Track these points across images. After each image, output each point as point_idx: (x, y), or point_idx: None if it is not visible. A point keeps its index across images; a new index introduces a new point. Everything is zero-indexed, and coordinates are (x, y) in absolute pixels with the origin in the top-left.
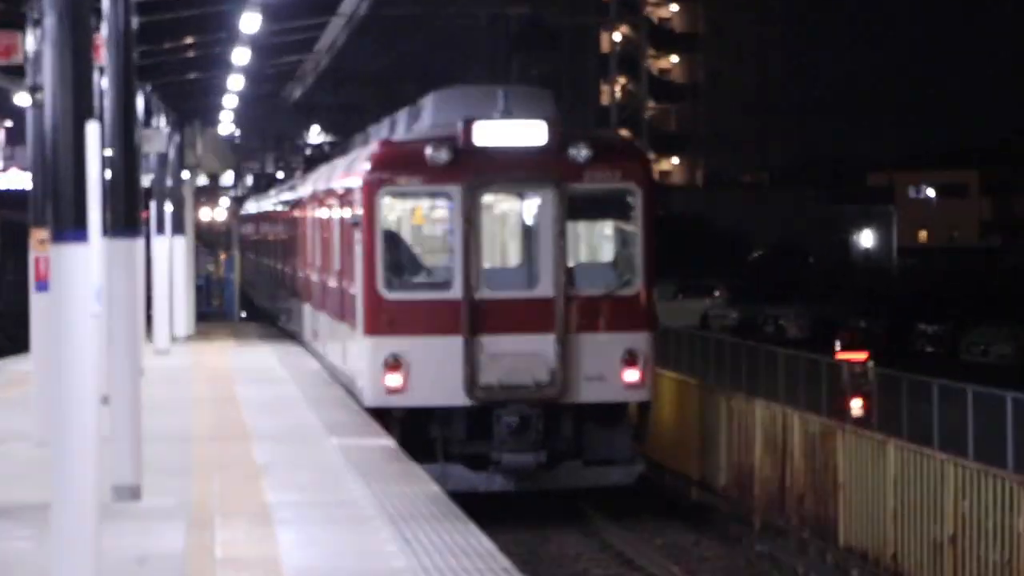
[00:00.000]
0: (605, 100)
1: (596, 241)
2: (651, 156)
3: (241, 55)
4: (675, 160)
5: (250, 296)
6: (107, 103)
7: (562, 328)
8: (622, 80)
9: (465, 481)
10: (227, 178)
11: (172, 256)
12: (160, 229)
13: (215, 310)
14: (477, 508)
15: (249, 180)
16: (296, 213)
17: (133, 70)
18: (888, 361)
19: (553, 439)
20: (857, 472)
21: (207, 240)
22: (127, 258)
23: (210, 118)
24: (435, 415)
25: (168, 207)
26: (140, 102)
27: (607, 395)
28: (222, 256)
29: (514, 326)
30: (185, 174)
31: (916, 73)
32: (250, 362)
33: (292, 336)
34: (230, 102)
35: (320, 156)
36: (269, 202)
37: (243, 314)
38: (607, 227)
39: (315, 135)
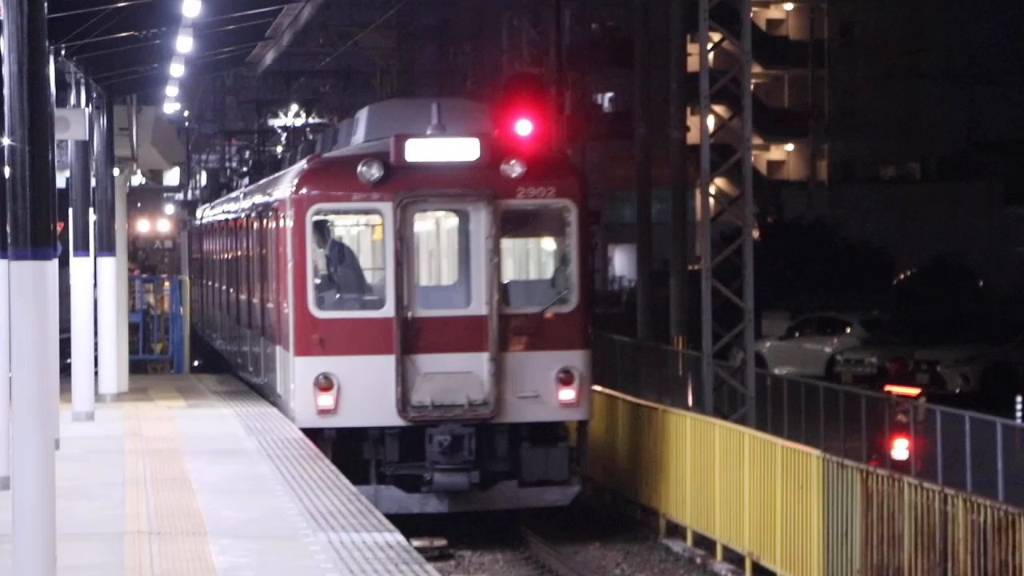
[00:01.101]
0: (693, 65)
1: (531, 258)
2: (757, 141)
3: (191, 5)
4: (789, 147)
5: (206, 337)
6: (3, 71)
7: (496, 346)
8: (716, 36)
9: (398, 503)
10: (173, 176)
11: (98, 284)
12: (81, 247)
13: (157, 358)
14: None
15: (204, 179)
16: (257, 224)
17: (41, 26)
18: None
19: (487, 459)
20: None
21: (146, 261)
22: (34, 287)
23: (150, 94)
24: (367, 436)
25: (92, 216)
26: (51, 71)
27: (542, 414)
28: (166, 283)
29: (447, 345)
30: (116, 171)
31: None
32: (206, 429)
33: (260, 392)
34: (177, 71)
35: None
36: (230, 208)
37: (196, 363)
38: (542, 244)
39: (293, 115)
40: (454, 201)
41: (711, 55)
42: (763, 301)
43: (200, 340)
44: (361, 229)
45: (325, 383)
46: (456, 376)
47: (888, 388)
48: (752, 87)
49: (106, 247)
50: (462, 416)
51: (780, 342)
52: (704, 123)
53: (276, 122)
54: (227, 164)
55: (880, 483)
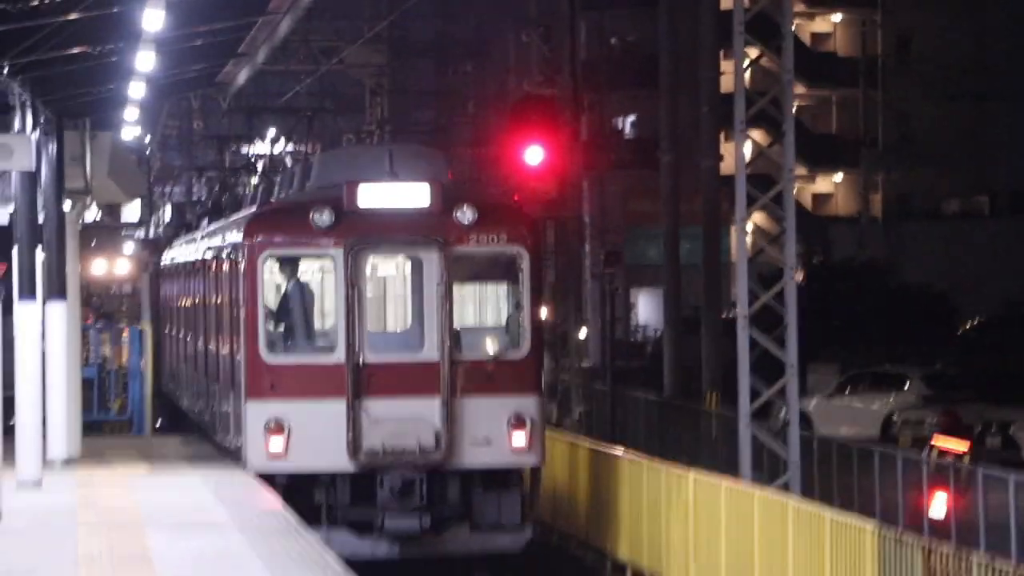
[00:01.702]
0: (727, 85)
1: (483, 304)
2: (800, 171)
3: (153, 18)
4: (837, 177)
5: (170, 394)
6: None
7: (447, 391)
8: (753, 52)
9: (349, 547)
10: (132, 211)
11: (46, 334)
12: (27, 291)
13: (115, 418)
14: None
15: (168, 214)
16: (214, 269)
17: None
18: None
19: (439, 504)
20: None
21: (102, 308)
22: None
23: (107, 118)
24: (319, 480)
25: (39, 256)
26: None
27: (494, 459)
28: (125, 333)
29: (398, 389)
30: (67, 205)
31: None
32: (170, 498)
33: (231, 454)
34: (137, 92)
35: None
36: (192, 250)
37: (159, 423)
38: (494, 290)
39: (269, 142)
40: (405, 247)
41: (747, 73)
42: (808, 353)
43: (164, 397)
44: (313, 274)
45: (276, 427)
46: (407, 421)
47: (935, 443)
48: (795, 110)
49: (56, 291)
50: (413, 461)
51: (828, 400)
52: (740, 151)
53: (252, 149)
54: (195, 198)
55: (945, 561)
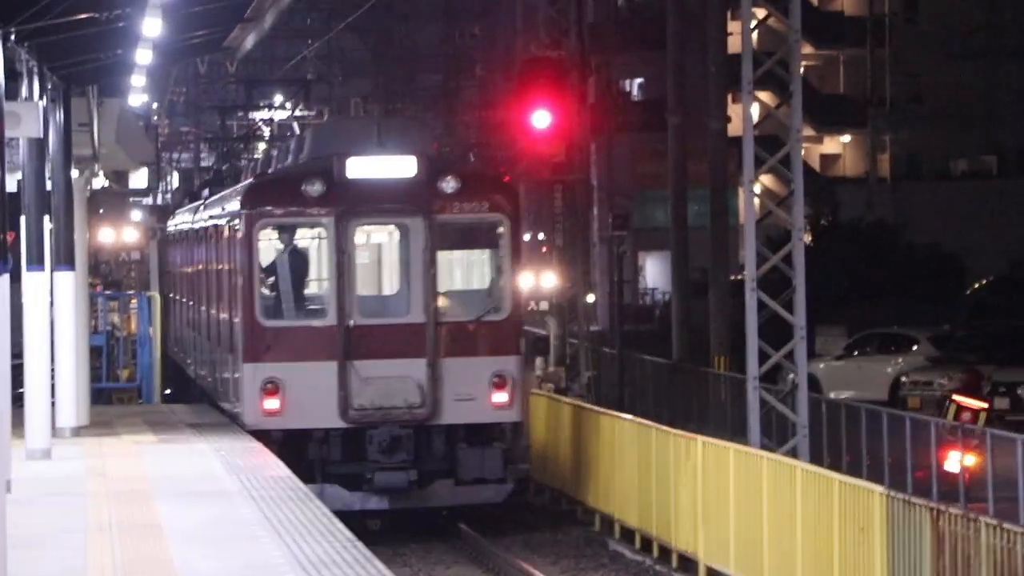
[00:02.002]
0: (734, 45)
1: (466, 269)
2: (808, 132)
3: None
4: (845, 138)
5: (179, 362)
6: None
7: (432, 352)
8: (761, 12)
9: (341, 500)
10: (141, 178)
11: (54, 302)
12: (35, 259)
13: (123, 386)
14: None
15: (176, 181)
16: (215, 237)
17: None
18: None
19: (425, 459)
20: None
21: (111, 276)
22: None
23: (114, 85)
24: (312, 436)
25: (47, 225)
26: None
27: (476, 416)
28: (133, 301)
29: (386, 351)
30: (75, 173)
31: None
32: (179, 468)
33: (220, 404)
34: (144, 58)
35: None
36: (198, 218)
37: (168, 391)
38: (477, 256)
39: (279, 107)
40: (392, 215)
41: (755, 34)
42: (817, 315)
43: (173, 365)
44: (305, 242)
45: (271, 387)
46: (395, 380)
47: (954, 398)
48: (803, 70)
49: (64, 260)
50: (401, 418)
51: (836, 362)
52: (747, 112)
53: (257, 115)
54: (202, 164)
55: (953, 523)
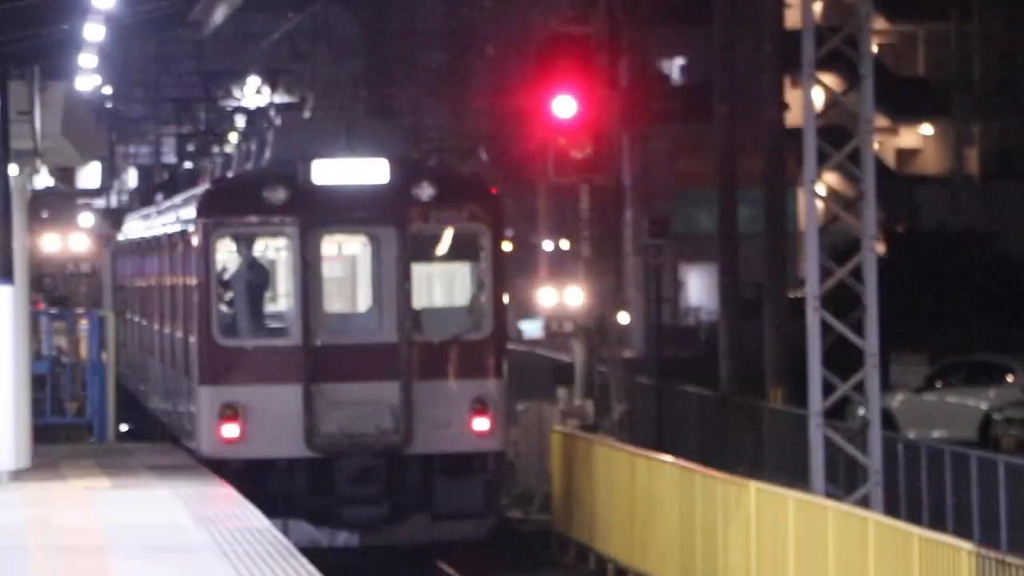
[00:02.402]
0: (793, 20)
1: (444, 284)
2: (881, 122)
3: None
4: (926, 129)
5: (135, 392)
6: None
7: (406, 375)
8: None
9: (307, 536)
10: (91, 175)
11: None
12: None
13: (71, 421)
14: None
15: (133, 179)
16: (169, 246)
17: None
18: None
19: (398, 491)
20: None
21: (56, 291)
22: None
23: (59, 65)
24: (275, 467)
25: None
26: None
27: (455, 445)
28: (83, 321)
29: (356, 373)
30: (12, 169)
31: None
32: (138, 518)
33: (173, 431)
34: (95, 34)
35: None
36: (155, 223)
37: (123, 427)
38: (455, 269)
39: (253, 92)
40: (362, 225)
41: (818, 6)
42: (892, 340)
43: (129, 396)
44: (268, 254)
45: (230, 413)
46: (365, 405)
47: None
48: (875, 49)
49: (0, 272)
50: (372, 446)
51: (916, 395)
52: (809, 99)
53: (231, 99)
54: (164, 160)
55: None
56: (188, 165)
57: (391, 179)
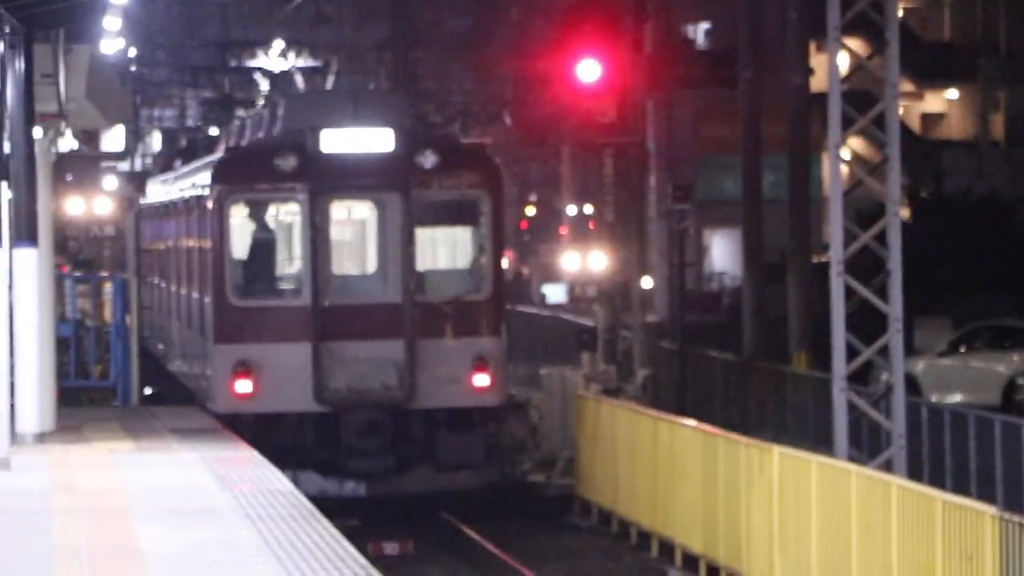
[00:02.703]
0: None
1: (447, 247)
2: (907, 87)
3: None
4: (951, 94)
5: (159, 356)
6: None
7: (410, 333)
8: None
9: (316, 486)
10: (115, 139)
11: (13, 285)
12: None
13: (95, 385)
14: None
15: (157, 143)
16: (187, 211)
17: None
18: None
19: (402, 444)
20: None
21: (80, 254)
22: None
23: (83, 28)
24: (285, 421)
25: (5, 194)
26: None
27: (457, 400)
28: (107, 284)
29: (362, 332)
30: (37, 132)
31: None
32: (162, 480)
33: (192, 389)
34: None
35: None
36: (176, 188)
37: (147, 390)
38: (457, 233)
39: (278, 55)
40: (368, 191)
41: None
42: (916, 305)
43: (153, 360)
44: (279, 218)
45: (243, 369)
46: (371, 362)
47: None
48: (901, 13)
49: (24, 235)
50: (377, 401)
51: (939, 360)
52: (834, 63)
53: (254, 62)
54: (189, 123)
55: None
56: (212, 130)
57: (396, 147)
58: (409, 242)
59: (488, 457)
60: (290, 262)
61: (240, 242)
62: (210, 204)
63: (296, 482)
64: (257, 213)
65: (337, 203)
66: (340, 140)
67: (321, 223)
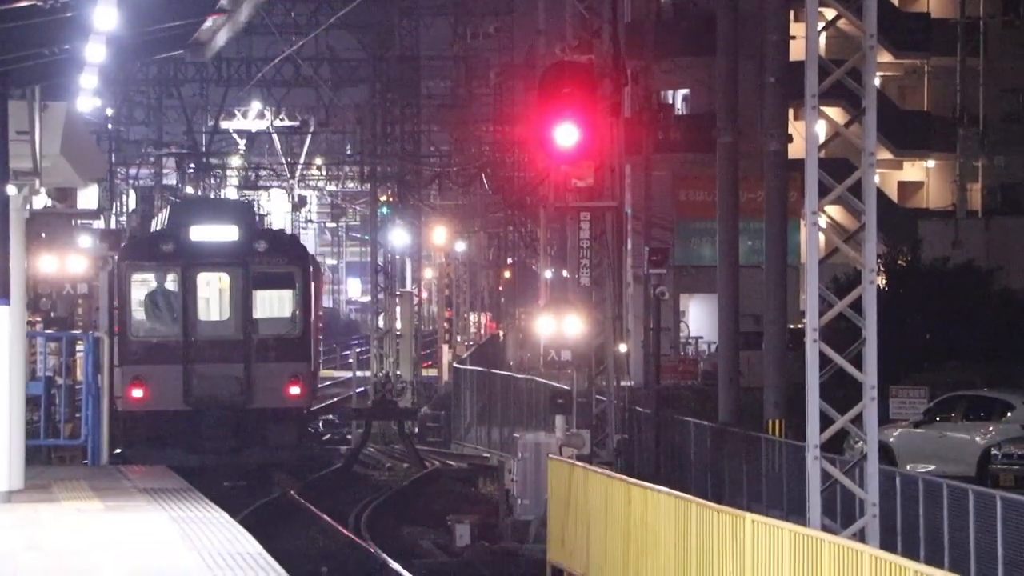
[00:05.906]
0: (798, 52)
1: (272, 302)
2: (884, 155)
3: None
4: (929, 163)
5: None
6: None
7: (248, 359)
8: (829, 13)
9: (183, 460)
10: (90, 197)
11: None
12: None
13: (65, 443)
14: None
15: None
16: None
17: None
18: None
19: (242, 431)
20: None
21: (53, 312)
22: None
23: (60, 86)
24: (165, 415)
25: None
26: None
27: (279, 403)
28: (79, 342)
29: (217, 357)
30: (11, 189)
31: None
32: (129, 541)
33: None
34: (97, 55)
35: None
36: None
37: (118, 450)
38: (280, 293)
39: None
40: (222, 266)
41: (822, 38)
42: (891, 373)
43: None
44: (165, 283)
45: (137, 382)
46: (223, 378)
47: None
48: (879, 82)
49: None
50: (226, 403)
51: (914, 430)
52: (812, 130)
53: (232, 124)
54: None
55: None
56: (188, 189)
57: (239, 237)
58: (248, 299)
59: (300, 440)
60: (171, 311)
61: (137, 298)
62: (117, 273)
63: (170, 457)
64: (149, 279)
65: (202, 273)
66: (203, 232)
67: (190, 287)
